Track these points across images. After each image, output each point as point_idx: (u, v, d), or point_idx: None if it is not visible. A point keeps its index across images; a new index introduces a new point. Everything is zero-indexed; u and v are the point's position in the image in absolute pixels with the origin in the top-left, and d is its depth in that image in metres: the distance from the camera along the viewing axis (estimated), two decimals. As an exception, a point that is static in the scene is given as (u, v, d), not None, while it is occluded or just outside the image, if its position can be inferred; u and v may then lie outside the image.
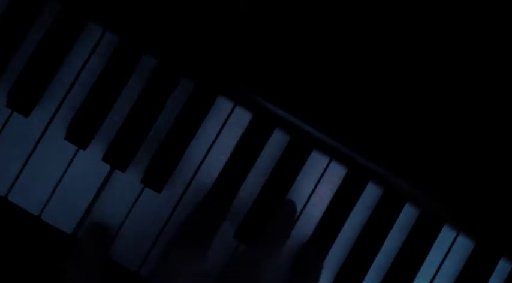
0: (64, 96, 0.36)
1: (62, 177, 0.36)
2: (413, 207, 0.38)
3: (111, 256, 0.36)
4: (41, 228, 0.37)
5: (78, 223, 0.36)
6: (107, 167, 0.36)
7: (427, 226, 0.37)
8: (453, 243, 0.38)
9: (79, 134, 0.36)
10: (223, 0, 0.35)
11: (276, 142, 0.37)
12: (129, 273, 0.37)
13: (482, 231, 0.37)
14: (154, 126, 0.37)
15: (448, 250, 0.38)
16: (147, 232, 0.37)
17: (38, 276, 0.37)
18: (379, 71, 0.36)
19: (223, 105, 0.37)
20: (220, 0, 0.35)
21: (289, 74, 0.36)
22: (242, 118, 0.37)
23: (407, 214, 0.38)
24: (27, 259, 0.37)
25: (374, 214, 0.37)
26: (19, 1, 0.35)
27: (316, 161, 0.37)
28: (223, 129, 0.37)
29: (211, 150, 0.37)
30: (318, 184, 0.37)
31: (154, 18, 0.35)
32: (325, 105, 0.36)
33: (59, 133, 0.36)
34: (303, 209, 0.37)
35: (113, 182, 0.37)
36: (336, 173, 0.38)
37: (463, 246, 0.38)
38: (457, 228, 0.38)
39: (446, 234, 0.38)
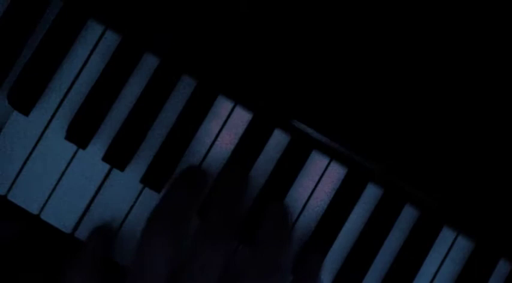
0: (64, 95, 0.36)
1: (62, 176, 0.36)
2: (413, 207, 0.38)
3: (111, 256, 0.36)
4: (41, 228, 0.37)
5: (78, 223, 0.36)
6: (106, 167, 0.36)
7: (427, 227, 0.37)
8: (453, 243, 0.38)
9: (79, 134, 0.36)
10: (224, 0, 0.36)
11: (276, 142, 0.37)
12: (129, 273, 0.37)
13: (482, 231, 0.37)
14: (154, 126, 0.37)
15: (448, 250, 0.38)
16: (147, 231, 0.36)
17: (37, 275, 0.37)
18: (379, 72, 0.36)
19: (223, 105, 0.37)
20: (221, 0, 0.36)
21: (289, 74, 0.36)
22: (242, 118, 0.37)
23: (407, 214, 0.38)
24: (26, 258, 0.37)
25: (374, 215, 0.37)
26: (21, 2, 0.36)
27: (316, 161, 0.37)
28: (223, 129, 0.37)
29: (211, 149, 0.37)
30: (318, 184, 0.37)
31: (156, 17, 0.35)
32: (325, 105, 0.36)
33: (59, 133, 0.36)
34: (302, 209, 0.37)
35: (113, 182, 0.36)
36: (336, 173, 0.38)
37: (463, 246, 0.38)
38: (457, 228, 0.38)
39: (446, 234, 0.38)
